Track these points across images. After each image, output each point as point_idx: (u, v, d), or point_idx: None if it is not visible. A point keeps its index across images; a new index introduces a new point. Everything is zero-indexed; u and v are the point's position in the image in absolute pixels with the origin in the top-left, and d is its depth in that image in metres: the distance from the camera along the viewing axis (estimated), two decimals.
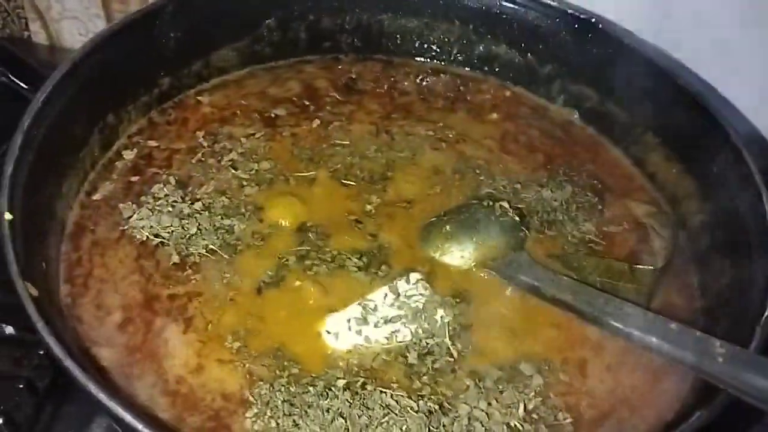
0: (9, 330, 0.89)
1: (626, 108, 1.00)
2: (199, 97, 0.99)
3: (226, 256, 0.81)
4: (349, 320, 0.76)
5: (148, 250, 0.81)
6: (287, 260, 0.82)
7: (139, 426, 0.55)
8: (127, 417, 0.56)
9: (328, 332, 0.76)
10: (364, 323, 0.76)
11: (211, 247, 0.81)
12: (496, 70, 1.09)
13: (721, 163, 0.86)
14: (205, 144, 0.92)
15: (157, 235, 0.81)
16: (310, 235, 0.84)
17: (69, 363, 0.58)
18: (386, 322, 0.76)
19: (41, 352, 0.85)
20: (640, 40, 0.97)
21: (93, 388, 0.57)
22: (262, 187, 0.88)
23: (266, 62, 1.05)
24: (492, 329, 0.79)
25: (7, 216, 0.66)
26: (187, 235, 0.82)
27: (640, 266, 0.82)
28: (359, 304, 0.78)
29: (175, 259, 0.80)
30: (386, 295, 0.78)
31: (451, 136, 0.99)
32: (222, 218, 0.84)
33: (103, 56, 0.86)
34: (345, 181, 0.91)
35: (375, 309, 0.77)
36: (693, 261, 0.88)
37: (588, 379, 0.77)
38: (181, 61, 0.97)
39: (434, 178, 0.94)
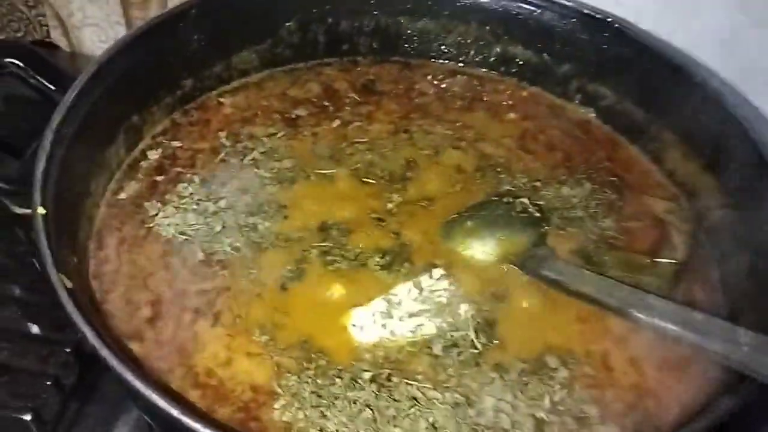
0: (35, 329, 0.90)
1: (643, 106, 1.00)
2: (220, 99, 1.00)
3: (250, 254, 0.82)
4: (374, 314, 0.77)
5: (174, 248, 0.82)
6: (310, 256, 0.82)
7: (175, 412, 0.56)
8: (161, 402, 0.56)
9: (354, 325, 0.76)
10: (389, 317, 0.77)
11: (237, 244, 0.82)
12: (513, 70, 1.09)
13: (740, 159, 0.87)
14: (228, 144, 0.93)
15: (182, 233, 0.83)
16: (333, 232, 0.85)
17: (105, 352, 0.59)
18: (411, 316, 0.77)
19: (68, 350, 0.87)
20: (657, 38, 0.98)
21: (129, 376, 0.57)
22: (284, 185, 0.89)
23: (286, 65, 1.06)
24: (515, 323, 0.79)
25: (41, 210, 0.68)
26: (212, 233, 0.83)
27: (662, 260, 0.83)
28: (383, 298, 0.78)
29: (200, 256, 0.81)
30: (410, 290, 0.79)
31: (469, 135, 1.00)
32: (246, 216, 0.85)
33: (127, 59, 0.87)
34: (366, 180, 0.92)
35: (399, 303, 0.78)
36: (714, 256, 0.88)
37: (612, 371, 0.77)
38: (203, 63, 0.98)
39: (455, 176, 0.94)
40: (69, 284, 0.64)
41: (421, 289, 0.79)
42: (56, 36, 1.28)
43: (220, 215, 0.84)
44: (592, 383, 0.75)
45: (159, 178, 0.89)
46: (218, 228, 0.83)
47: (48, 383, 0.84)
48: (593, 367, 0.77)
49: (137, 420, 0.86)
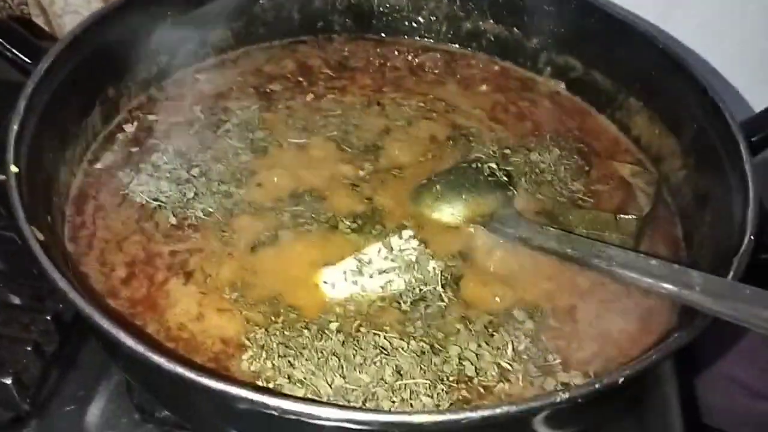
0: (16, 300, 0.92)
1: (609, 75, 1.03)
2: (197, 75, 1.03)
3: (223, 218, 0.84)
4: (345, 272, 0.79)
5: (148, 213, 0.84)
6: (282, 220, 0.85)
7: (157, 357, 0.57)
8: (141, 349, 0.58)
9: (325, 282, 0.78)
10: (360, 274, 0.79)
11: (209, 209, 0.84)
12: (484, 45, 1.12)
13: (700, 118, 0.89)
14: (202, 117, 0.95)
15: (156, 199, 0.85)
16: (305, 198, 0.87)
17: (78, 300, 0.60)
18: (381, 273, 0.79)
19: (48, 318, 0.89)
20: (620, 7, 1.00)
21: (105, 324, 0.59)
22: (258, 154, 0.92)
23: (261, 42, 1.08)
24: (482, 279, 0.81)
25: (13, 168, 0.70)
26: (185, 199, 0.85)
27: (625, 216, 0.85)
28: (354, 258, 0.80)
29: (173, 220, 0.83)
30: (380, 249, 0.81)
31: (441, 106, 1.02)
32: (219, 184, 0.87)
33: (102, 32, 0.89)
34: (339, 148, 0.94)
35: (369, 262, 0.80)
36: (677, 214, 0.91)
37: (578, 324, 0.79)
38: (179, 40, 1.00)
39: (426, 145, 0.97)
40: (41, 237, 0.65)
41: (391, 249, 0.81)
42: (39, 24, 1.31)
43: (193, 182, 0.86)
44: (557, 335, 0.78)
45: (134, 149, 0.91)
46: (191, 194, 0.85)
47: (29, 349, 0.85)
48: (559, 320, 0.79)
49: (117, 385, 0.87)
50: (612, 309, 0.80)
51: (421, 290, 0.78)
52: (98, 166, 0.89)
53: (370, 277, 0.79)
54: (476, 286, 0.81)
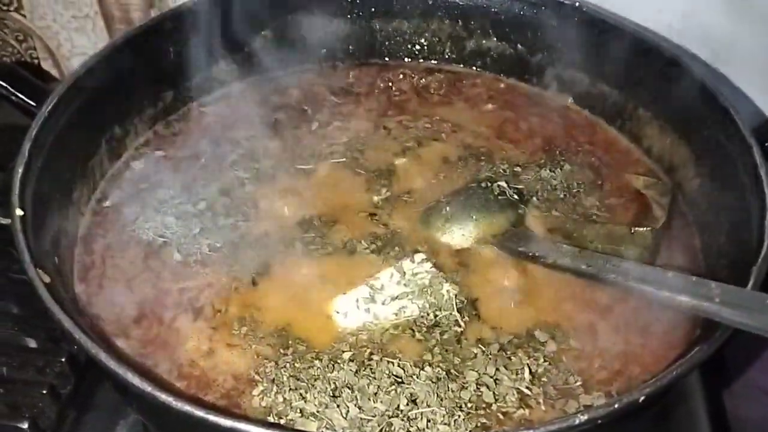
0: (32, 343, 0.92)
1: (617, 87, 1.01)
2: (202, 108, 1.03)
3: (230, 252, 0.83)
4: (357, 300, 0.78)
5: (154, 250, 0.83)
6: (289, 249, 0.84)
7: (165, 396, 0.56)
8: (149, 389, 0.57)
9: (337, 312, 0.77)
10: (372, 302, 0.78)
11: (216, 244, 0.84)
12: (489, 64, 1.11)
13: (712, 126, 0.87)
14: (209, 150, 0.95)
15: (161, 236, 0.84)
16: (314, 224, 0.87)
17: (86, 342, 0.60)
18: (393, 299, 0.78)
19: (63, 360, 0.88)
20: (623, 18, 0.99)
21: (116, 367, 0.58)
22: (264, 184, 0.91)
23: (265, 73, 1.08)
24: (498, 300, 0.80)
25: (18, 212, 0.70)
26: (191, 234, 0.84)
27: (640, 228, 0.83)
28: (366, 284, 0.79)
29: (178, 257, 0.83)
30: (392, 274, 0.80)
31: (448, 127, 1.02)
32: (225, 217, 0.87)
33: (105, 71, 0.90)
34: (348, 174, 0.93)
35: (382, 288, 0.79)
36: (693, 224, 0.89)
37: (598, 342, 0.77)
38: (182, 75, 1.00)
39: (435, 166, 0.96)
40: (47, 279, 0.65)
41: (404, 273, 0.80)
42: (47, 67, 1.32)
43: (199, 217, 0.86)
44: (578, 355, 0.76)
45: (142, 186, 0.91)
46: (197, 230, 0.85)
47: (44, 392, 0.85)
48: (579, 339, 0.77)
49: (133, 426, 0.87)
50: (632, 324, 0.78)
51: (436, 316, 0.77)
52: (106, 204, 0.89)
53: (383, 304, 0.78)
54: (493, 308, 0.79)
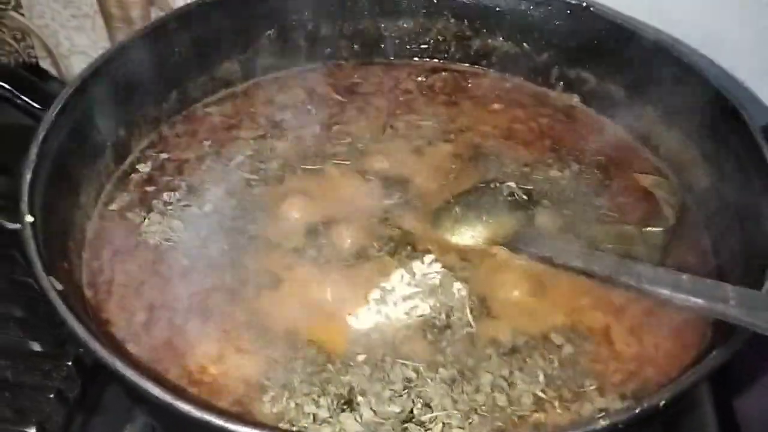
0: (36, 347, 0.91)
1: (623, 86, 1.01)
2: (207, 109, 1.02)
3: (238, 255, 0.83)
4: (369, 302, 0.78)
5: (162, 254, 0.83)
6: (300, 253, 0.83)
7: (181, 404, 0.56)
8: (161, 394, 0.57)
9: (349, 314, 0.77)
10: (383, 303, 0.78)
11: (224, 247, 0.83)
12: (495, 63, 1.11)
13: (721, 126, 0.87)
14: (214, 151, 0.95)
15: (168, 239, 0.84)
16: (322, 226, 0.86)
17: (98, 349, 0.59)
18: (404, 299, 0.78)
19: (69, 363, 0.88)
20: (630, 17, 0.99)
21: (128, 372, 0.58)
22: (271, 185, 0.90)
23: (270, 72, 1.07)
24: (509, 300, 0.80)
25: (28, 218, 0.69)
26: (198, 238, 0.84)
27: (650, 228, 0.83)
28: (377, 287, 0.79)
29: (185, 261, 0.82)
30: (403, 276, 0.80)
31: (455, 127, 1.01)
32: (231, 220, 0.86)
33: (110, 73, 0.89)
34: (354, 174, 0.93)
35: (393, 290, 0.79)
36: (704, 224, 0.88)
37: (613, 344, 0.77)
38: (187, 76, 0.99)
39: (443, 167, 0.95)
40: (59, 287, 0.64)
41: (414, 274, 0.80)
42: (46, 66, 1.31)
43: (206, 220, 0.85)
44: (592, 357, 0.75)
45: (148, 189, 0.90)
46: (204, 233, 0.84)
47: (51, 396, 0.85)
48: (594, 341, 0.77)
49: (142, 429, 0.86)
50: (646, 325, 0.78)
51: (448, 316, 0.77)
52: (112, 207, 0.87)
53: (395, 305, 0.78)
54: (505, 309, 0.79)
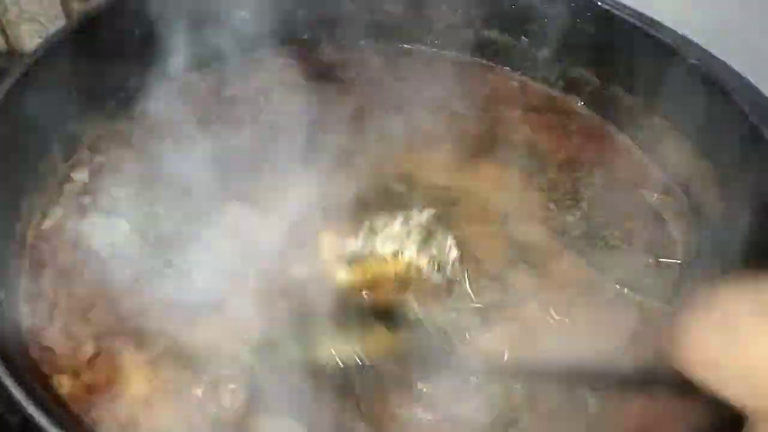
0: None
1: (630, 90, 0.93)
2: (152, 105, 0.88)
3: (186, 268, 0.73)
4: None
5: (107, 271, 0.72)
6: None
7: None
8: None
9: None
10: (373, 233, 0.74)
11: (170, 259, 0.74)
12: (491, 56, 1.02)
13: (737, 143, 0.80)
14: (165, 148, 0.82)
15: (113, 252, 0.74)
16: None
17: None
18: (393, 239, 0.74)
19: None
20: (639, 14, 0.90)
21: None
22: (224, 186, 0.79)
23: (224, 61, 0.95)
24: None
25: None
26: (144, 250, 0.75)
27: (666, 260, 0.76)
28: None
29: (131, 277, 0.72)
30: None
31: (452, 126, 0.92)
32: (183, 225, 0.76)
33: (61, 58, 0.77)
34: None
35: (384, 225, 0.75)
36: (716, 250, 0.80)
37: None
38: (147, 61, 0.87)
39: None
40: None
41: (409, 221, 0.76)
42: None
43: (153, 230, 0.76)
44: None
45: (85, 200, 0.79)
46: (150, 243, 0.75)
47: None
48: None
49: None
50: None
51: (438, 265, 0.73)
52: (48, 223, 0.77)
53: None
54: None
